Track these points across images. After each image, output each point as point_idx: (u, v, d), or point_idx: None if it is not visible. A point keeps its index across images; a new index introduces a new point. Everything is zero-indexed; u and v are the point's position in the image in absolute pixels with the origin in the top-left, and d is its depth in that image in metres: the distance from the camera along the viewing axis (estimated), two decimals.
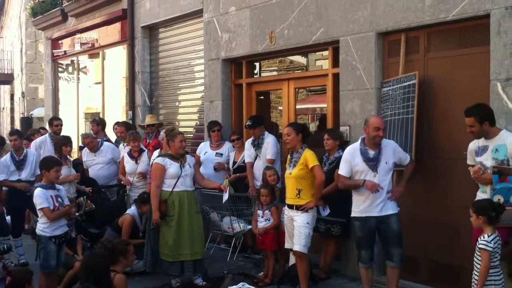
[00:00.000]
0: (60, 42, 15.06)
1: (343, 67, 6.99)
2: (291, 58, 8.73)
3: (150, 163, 7.20)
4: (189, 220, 6.58)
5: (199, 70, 9.95)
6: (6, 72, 28.62)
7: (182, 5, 9.91)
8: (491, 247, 4.47)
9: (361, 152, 5.68)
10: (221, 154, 8.37)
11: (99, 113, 13.48)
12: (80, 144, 11.11)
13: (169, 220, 6.53)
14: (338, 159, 6.23)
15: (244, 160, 7.96)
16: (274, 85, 8.86)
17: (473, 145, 5.15)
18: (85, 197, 8.21)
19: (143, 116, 10.79)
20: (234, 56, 8.74)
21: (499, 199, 4.66)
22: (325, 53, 7.71)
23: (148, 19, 10.95)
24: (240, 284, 4.06)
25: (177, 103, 10.93)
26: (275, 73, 9.06)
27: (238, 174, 8.06)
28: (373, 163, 5.62)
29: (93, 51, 13.64)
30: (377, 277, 6.34)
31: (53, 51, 15.39)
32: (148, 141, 9.24)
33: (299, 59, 8.73)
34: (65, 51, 14.84)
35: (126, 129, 9.34)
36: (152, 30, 11.21)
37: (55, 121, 9.49)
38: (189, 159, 6.83)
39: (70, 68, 15.41)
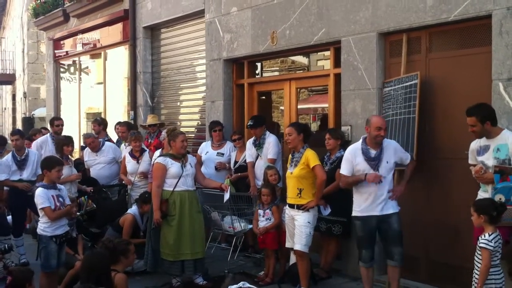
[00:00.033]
0: (62, 42, 15.08)
1: (345, 67, 6.99)
2: (292, 58, 8.73)
3: (152, 163, 7.21)
4: (190, 219, 6.59)
5: (200, 71, 9.95)
6: (8, 72, 28.63)
7: (183, 6, 9.92)
8: (491, 246, 4.47)
9: (362, 151, 5.68)
10: (223, 154, 8.38)
11: (100, 113, 13.48)
12: (82, 144, 11.12)
13: (170, 220, 6.54)
14: (340, 159, 6.23)
15: (245, 160, 7.97)
16: (275, 85, 8.87)
17: (475, 144, 5.15)
18: (86, 196, 8.23)
19: (145, 116, 10.80)
20: (236, 56, 8.75)
21: (500, 198, 4.67)
22: (327, 53, 7.72)
23: (149, 20, 10.96)
24: (240, 284, 4.07)
25: (178, 103, 10.93)
26: (276, 73, 9.06)
27: (239, 174, 8.07)
28: (374, 162, 5.62)
29: (95, 51, 13.64)
30: (378, 276, 6.34)
31: (55, 51, 15.41)
32: (149, 141, 9.26)
33: (300, 59, 8.74)
34: (67, 52, 14.86)
35: (128, 129, 9.36)
36: (153, 31, 11.22)
37: (56, 121, 9.49)
38: (191, 158, 6.84)
39: (72, 69, 15.43)
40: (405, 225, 5.81)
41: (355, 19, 6.81)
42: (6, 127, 32.20)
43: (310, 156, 5.96)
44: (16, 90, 28.67)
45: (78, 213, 7.30)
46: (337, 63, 7.29)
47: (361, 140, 5.78)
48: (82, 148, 10.52)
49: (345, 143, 6.63)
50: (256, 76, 9.12)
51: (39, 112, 21.31)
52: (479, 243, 4.55)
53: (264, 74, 9.20)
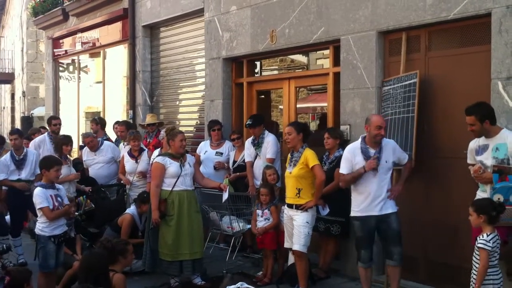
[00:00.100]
0: (61, 41, 15.06)
1: (344, 66, 6.97)
2: (292, 57, 8.72)
3: (150, 162, 7.19)
4: (188, 219, 6.57)
5: (199, 69, 9.94)
6: (7, 71, 28.61)
7: (183, 4, 9.90)
8: (490, 246, 4.46)
9: (361, 150, 5.67)
10: (221, 153, 8.36)
11: (99, 112, 13.47)
12: (81, 143, 11.10)
13: (169, 220, 6.52)
14: (338, 158, 6.22)
15: (244, 159, 7.94)
16: (274, 84, 8.84)
17: (474, 144, 5.14)
18: (84, 196, 8.21)
19: (144, 115, 10.78)
20: (235, 55, 8.73)
21: (499, 198, 4.65)
22: (326, 52, 7.70)
23: (149, 18, 10.94)
24: (239, 284, 4.04)
25: (177, 102, 10.92)
26: (275, 72, 9.04)
27: (238, 174, 8.05)
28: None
29: (94, 50, 13.63)
30: (376, 277, 6.34)
31: (54, 50, 15.39)
32: (148, 140, 9.23)
33: (300, 58, 8.72)
34: (66, 51, 14.84)
35: (127, 128, 9.33)
36: (153, 29, 11.20)
37: (54, 120, 9.48)
38: (189, 158, 6.82)
39: (71, 67, 15.41)
40: (404, 225, 5.80)
41: (354, 18, 6.79)
42: (5, 126, 32.18)
43: (309, 156, 5.94)
44: (15, 89, 28.65)
45: (76, 213, 7.28)
46: (336, 61, 7.28)
47: (360, 139, 5.77)
48: (80, 148, 10.50)
49: (344, 143, 6.62)
50: (255, 75, 9.10)
51: (38, 111, 21.30)
52: (477, 243, 4.54)
53: (263, 73, 9.18)
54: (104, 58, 13.34)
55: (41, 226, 5.91)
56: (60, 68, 15.72)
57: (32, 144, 9.10)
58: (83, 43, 13.73)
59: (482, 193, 4.95)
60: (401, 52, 6.43)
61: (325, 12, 7.17)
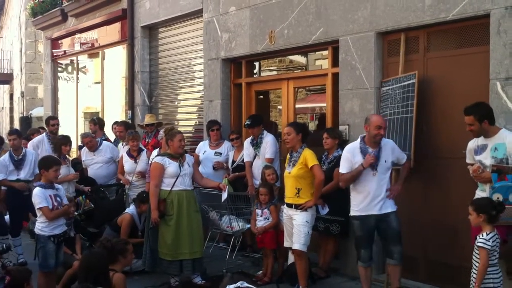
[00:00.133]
0: (59, 42, 15.06)
1: (343, 67, 6.99)
2: (290, 57, 8.73)
3: (149, 163, 7.20)
4: (188, 219, 6.58)
5: (198, 70, 9.95)
6: (5, 71, 28.57)
7: (182, 5, 9.91)
8: (489, 245, 4.48)
9: (361, 150, 5.68)
10: (220, 153, 8.37)
11: (98, 112, 13.47)
12: (80, 143, 11.10)
13: (168, 219, 6.53)
14: (337, 158, 6.24)
15: (243, 159, 7.96)
16: (273, 85, 8.86)
17: (473, 143, 5.15)
18: (84, 196, 8.21)
19: (143, 116, 10.79)
20: (234, 55, 8.74)
21: (498, 198, 4.66)
22: (325, 52, 7.71)
23: (148, 19, 10.95)
24: (239, 283, 4.04)
25: (176, 103, 10.93)
26: (274, 72, 9.06)
27: (237, 173, 8.06)
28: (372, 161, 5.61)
29: (92, 51, 13.63)
30: (376, 276, 6.35)
31: (53, 51, 15.39)
32: (147, 140, 9.25)
33: (298, 58, 8.73)
34: (64, 51, 14.84)
35: (125, 129, 9.33)
36: (152, 30, 11.21)
37: (52, 121, 9.47)
38: (188, 158, 6.83)
39: (69, 68, 15.41)
40: (403, 225, 5.81)
41: (353, 19, 6.81)
42: (4, 126, 32.13)
43: (308, 156, 5.96)
44: (13, 90, 28.61)
45: (76, 213, 7.29)
46: (335, 62, 7.29)
47: (359, 139, 5.78)
48: (79, 148, 10.50)
49: (342, 143, 6.64)
50: (254, 76, 9.11)
51: (37, 112, 21.28)
52: (477, 243, 4.55)
53: (262, 74, 9.19)
54: (103, 58, 13.34)
55: (41, 225, 5.91)
56: (59, 69, 15.72)
57: (30, 144, 9.10)
58: (81, 44, 13.73)
59: (481, 193, 4.97)
60: (400, 53, 6.45)
61: (324, 13, 7.18)
